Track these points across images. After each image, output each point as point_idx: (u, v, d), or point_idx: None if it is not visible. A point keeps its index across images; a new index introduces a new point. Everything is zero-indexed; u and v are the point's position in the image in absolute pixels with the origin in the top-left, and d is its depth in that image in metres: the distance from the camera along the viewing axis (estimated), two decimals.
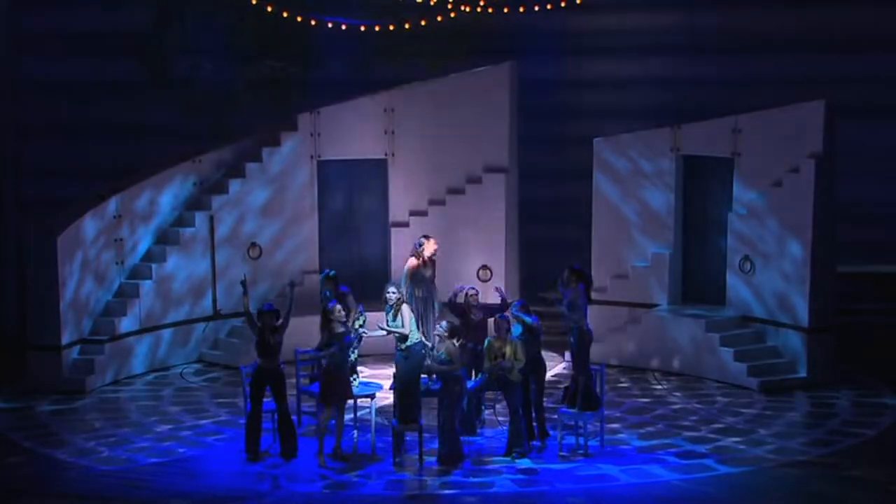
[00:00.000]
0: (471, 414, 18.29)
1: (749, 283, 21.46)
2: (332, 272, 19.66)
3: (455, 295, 19.19)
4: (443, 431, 17.38)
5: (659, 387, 21.08)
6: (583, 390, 17.97)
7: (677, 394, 20.68)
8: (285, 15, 21.97)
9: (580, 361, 18.13)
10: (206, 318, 22.55)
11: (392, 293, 18.23)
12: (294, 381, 19.11)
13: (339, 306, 17.87)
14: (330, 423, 17.51)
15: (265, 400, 17.79)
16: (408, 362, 17.75)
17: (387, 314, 18.20)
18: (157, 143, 24.90)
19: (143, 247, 22.28)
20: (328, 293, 19.26)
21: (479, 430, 18.51)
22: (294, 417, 18.44)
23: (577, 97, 25.84)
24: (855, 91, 24.16)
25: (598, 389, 18.12)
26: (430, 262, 20.55)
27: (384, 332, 18.19)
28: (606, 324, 22.20)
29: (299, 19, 22.06)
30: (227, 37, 24.27)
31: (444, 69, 23.36)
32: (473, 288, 19.33)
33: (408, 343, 17.79)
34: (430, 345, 18.40)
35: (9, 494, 16.54)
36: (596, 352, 21.56)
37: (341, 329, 17.57)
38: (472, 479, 16.93)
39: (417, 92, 23.32)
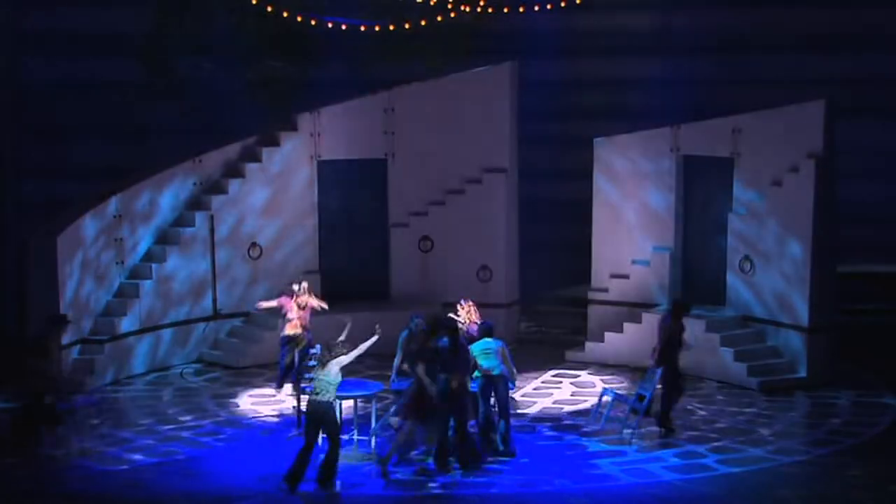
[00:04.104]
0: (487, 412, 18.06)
1: (749, 283, 21.46)
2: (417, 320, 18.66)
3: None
4: (446, 433, 17.40)
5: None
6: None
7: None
8: (285, 15, 21.95)
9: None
10: (206, 318, 22.54)
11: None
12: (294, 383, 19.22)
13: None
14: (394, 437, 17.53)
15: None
16: None
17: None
18: (157, 143, 24.84)
19: (143, 247, 22.27)
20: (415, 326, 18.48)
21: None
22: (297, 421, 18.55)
23: (577, 97, 25.82)
24: (855, 91, 24.15)
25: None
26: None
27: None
28: (606, 324, 22.21)
29: (299, 19, 22.03)
30: (227, 37, 24.22)
31: (444, 69, 23.35)
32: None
33: None
34: None
35: (9, 495, 16.54)
36: (596, 351, 21.64)
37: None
38: (472, 479, 16.94)
39: (417, 92, 23.33)
